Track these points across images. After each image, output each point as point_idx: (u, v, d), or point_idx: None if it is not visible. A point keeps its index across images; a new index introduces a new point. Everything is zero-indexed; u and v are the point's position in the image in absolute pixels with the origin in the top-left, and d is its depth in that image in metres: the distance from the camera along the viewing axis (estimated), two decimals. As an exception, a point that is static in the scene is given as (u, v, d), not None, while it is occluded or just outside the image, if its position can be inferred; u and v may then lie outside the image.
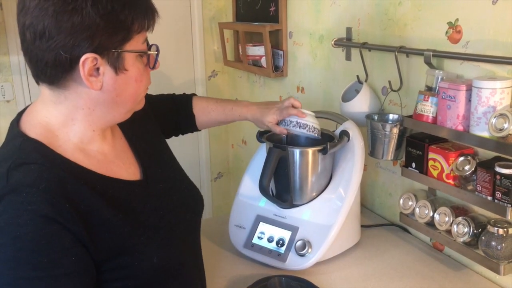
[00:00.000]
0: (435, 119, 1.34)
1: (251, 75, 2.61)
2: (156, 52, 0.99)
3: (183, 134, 1.50)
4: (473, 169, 1.25)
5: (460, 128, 1.26)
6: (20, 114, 0.98)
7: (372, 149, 1.54)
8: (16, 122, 0.96)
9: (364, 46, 1.63)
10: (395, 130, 1.49)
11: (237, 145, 2.94)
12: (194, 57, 2.90)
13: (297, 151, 1.38)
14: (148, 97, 1.15)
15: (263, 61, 2.31)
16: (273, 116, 1.40)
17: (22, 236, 0.81)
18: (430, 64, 1.38)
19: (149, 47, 0.98)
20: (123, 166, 1.04)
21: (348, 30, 1.77)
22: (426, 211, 1.40)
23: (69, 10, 0.84)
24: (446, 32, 1.37)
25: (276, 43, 2.25)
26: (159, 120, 1.28)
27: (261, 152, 1.57)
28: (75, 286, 0.85)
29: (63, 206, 0.85)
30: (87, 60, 0.87)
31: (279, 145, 1.38)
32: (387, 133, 1.49)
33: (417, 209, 1.43)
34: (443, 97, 1.28)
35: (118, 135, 1.09)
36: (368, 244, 1.54)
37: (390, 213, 1.72)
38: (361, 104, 1.62)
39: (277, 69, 2.26)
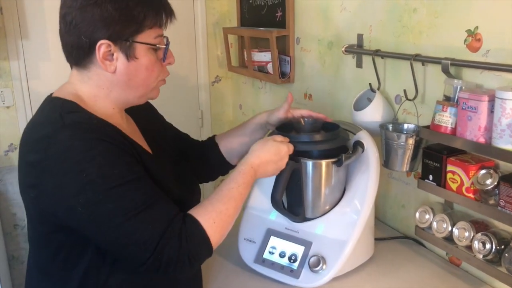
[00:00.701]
0: (454, 130, 1.29)
1: (256, 81, 2.56)
2: (163, 46, 1.13)
3: (223, 175, 1.56)
4: (495, 183, 1.20)
5: (482, 140, 1.21)
6: (51, 94, 1.15)
7: (387, 160, 1.49)
8: (49, 96, 1.14)
9: (377, 53, 1.58)
10: (411, 141, 1.44)
11: (240, 152, 2.88)
12: (197, 62, 2.85)
13: (310, 163, 1.33)
14: (176, 131, 1.48)
15: (269, 67, 2.26)
16: (279, 112, 1.42)
17: (96, 156, 0.98)
18: (448, 73, 1.34)
19: (167, 43, 1.14)
20: (137, 141, 1.18)
21: (359, 36, 1.73)
22: (444, 225, 1.35)
23: (91, 4, 1.03)
24: (465, 40, 1.33)
25: (283, 49, 2.20)
26: (193, 165, 1.45)
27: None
28: (152, 183, 1.06)
29: (117, 136, 1.06)
30: (102, 45, 1.05)
31: (292, 156, 1.33)
32: (402, 143, 1.44)
33: (435, 223, 1.38)
34: (464, 107, 1.24)
35: (130, 120, 1.26)
36: (382, 258, 1.49)
37: (403, 225, 1.67)
38: (374, 113, 1.57)
39: (284, 76, 2.21)
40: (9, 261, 2.59)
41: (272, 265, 1.37)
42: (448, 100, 1.32)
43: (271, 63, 2.23)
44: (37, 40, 2.55)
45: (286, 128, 1.40)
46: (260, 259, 1.39)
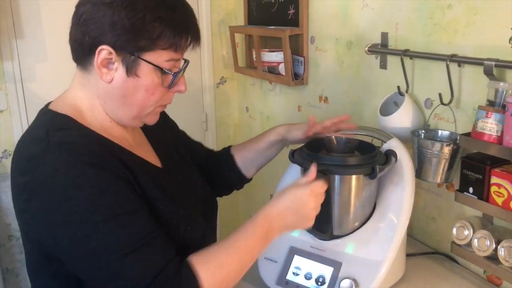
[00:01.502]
0: (500, 138, 1.17)
1: (265, 83, 2.43)
2: (171, 73, 0.99)
3: (238, 189, 1.47)
4: (551, 198, 1.08)
5: (535, 150, 1.09)
6: (48, 104, 1.05)
7: (419, 169, 1.37)
8: (45, 107, 1.04)
9: (406, 53, 1.45)
10: (447, 150, 1.31)
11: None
12: (201, 63, 2.71)
13: (340, 176, 1.20)
14: (191, 142, 1.38)
15: (281, 68, 2.13)
16: (298, 132, 1.33)
17: (84, 184, 0.87)
18: (492, 75, 1.21)
19: (180, 70, 1.02)
20: (144, 154, 1.08)
21: (384, 35, 1.60)
22: (487, 243, 1.22)
23: (106, 3, 0.92)
24: (510, 39, 1.20)
25: (296, 49, 2.07)
26: (206, 177, 1.32)
27: (291, 172, 1.39)
28: (148, 218, 0.93)
29: (110, 158, 0.93)
30: (102, 50, 0.94)
31: (321, 169, 1.19)
32: (437, 152, 1.32)
33: (476, 241, 1.25)
34: (513, 114, 1.11)
35: (137, 130, 1.15)
36: (414, 277, 1.36)
37: (432, 240, 1.55)
38: (403, 118, 1.45)
39: (297, 77, 2.08)
40: (3, 274, 2.44)
41: (297, 287, 1.24)
42: (492, 105, 1.20)
43: (283, 63, 2.09)
44: (33, 39, 2.40)
45: (315, 145, 1.28)
46: (283, 281, 1.26)
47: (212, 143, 2.82)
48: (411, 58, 1.49)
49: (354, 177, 1.21)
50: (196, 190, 1.20)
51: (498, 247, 1.20)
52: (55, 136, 0.92)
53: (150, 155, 1.12)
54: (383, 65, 1.63)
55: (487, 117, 1.19)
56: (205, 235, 1.12)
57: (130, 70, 0.96)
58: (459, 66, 1.34)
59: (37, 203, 0.90)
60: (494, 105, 1.19)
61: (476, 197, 1.25)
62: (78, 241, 0.87)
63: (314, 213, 1.08)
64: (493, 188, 1.20)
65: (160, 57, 0.97)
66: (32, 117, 1.04)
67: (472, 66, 1.30)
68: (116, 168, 0.94)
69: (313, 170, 1.10)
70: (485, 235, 1.23)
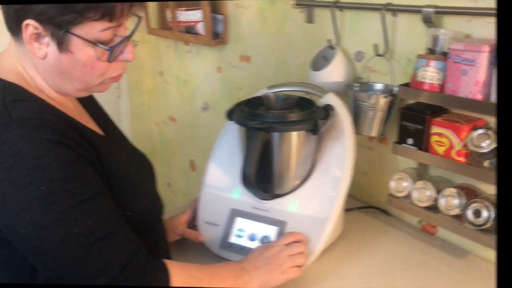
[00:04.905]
0: (441, 87, 1.16)
1: (181, 45, 2.29)
2: (106, 48, 0.87)
3: None
4: (494, 144, 1.08)
5: (479, 97, 1.08)
6: None
7: (355, 124, 1.33)
8: None
9: (337, 5, 1.40)
10: (384, 102, 1.29)
11: (163, 123, 2.60)
12: (108, 25, 2.51)
13: (283, 133, 1.14)
14: None
15: (199, 27, 2.00)
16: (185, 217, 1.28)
17: (48, 167, 0.80)
18: (430, 23, 1.19)
19: (121, 41, 0.90)
20: (87, 123, 1.00)
21: (310, -13, 1.54)
22: (428, 193, 1.22)
23: None
24: (446, -15, 1.19)
25: (214, 6, 1.95)
26: None
27: (227, 134, 1.31)
28: (110, 204, 0.88)
29: (73, 134, 0.85)
30: (28, 26, 0.84)
31: (260, 126, 1.11)
32: (373, 105, 1.29)
33: (415, 192, 1.25)
34: (457, 60, 1.10)
35: (75, 100, 1.04)
36: (352, 232, 1.34)
37: (364, 194, 1.54)
38: (335, 72, 1.41)
39: (216, 37, 1.97)
40: None
41: (241, 250, 1.17)
42: (432, 53, 1.18)
43: (202, 22, 1.97)
44: None
45: (253, 103, 1.22)
46: (226, 244, 1.19)
47: (126, 110, 2.65)
48: (341, 10, 1.44)
49: (295, 133, 1.15)
50: (141, 157, 1.13)
51: (439, 196, 1.20)
52: (15, 110, 0.82)
53: (91, 124, 1.03)
54: (310, 19, 1.57)
55: (427, 65, 1.17)
56: (163, 208, 1.07)
57: (62, 45, 0.86)
58: (393, 15, 1.31)
59: None
60: (434, 53, 1.17)
61: (416, 148, 1.24)
62: (40, 230, 0.80)
63: (285, 257, 1.07)
64: (434, 138, 1.19)
65: (93, 28, 0.85)
66: None
67: (407, 15, 1.28)
68: (80, 146, 0.85)
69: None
70: (425, 186, 1.23)
